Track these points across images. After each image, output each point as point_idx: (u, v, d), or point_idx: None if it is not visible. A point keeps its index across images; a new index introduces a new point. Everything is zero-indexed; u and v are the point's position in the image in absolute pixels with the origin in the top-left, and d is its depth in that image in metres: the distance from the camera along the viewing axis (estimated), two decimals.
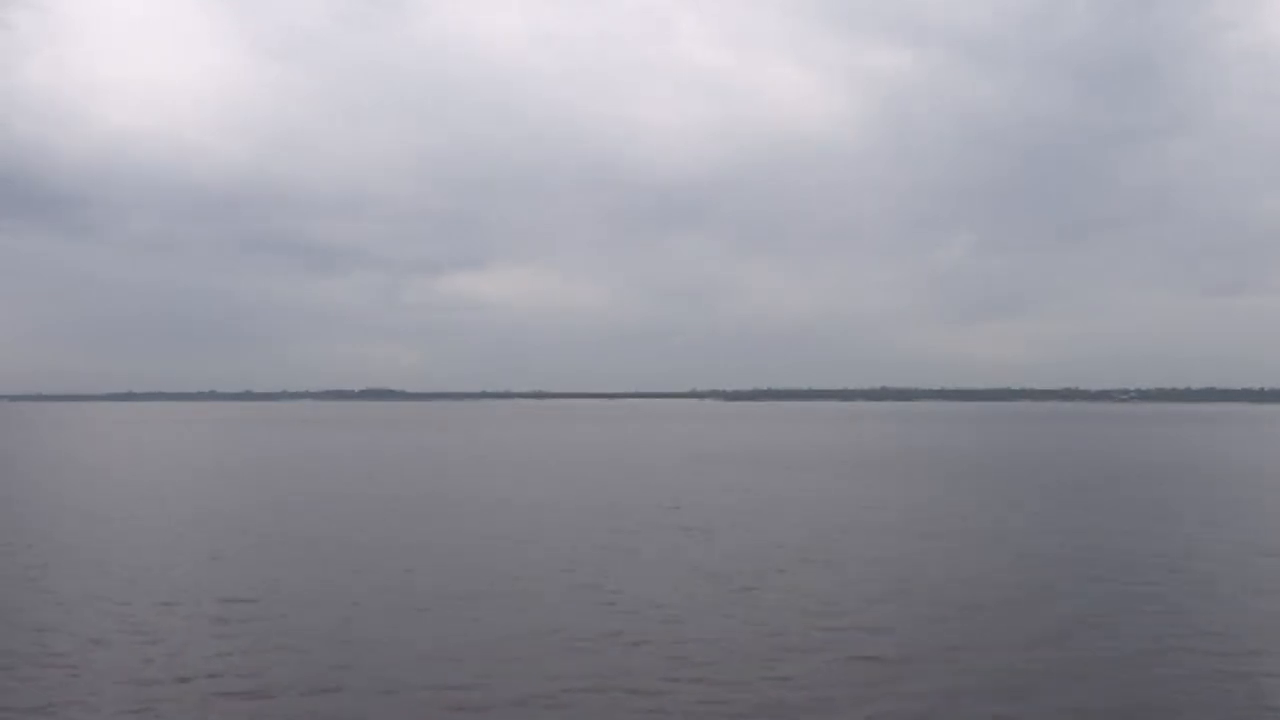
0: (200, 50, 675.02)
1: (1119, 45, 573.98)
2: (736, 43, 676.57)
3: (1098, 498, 41.29)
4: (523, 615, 19.94)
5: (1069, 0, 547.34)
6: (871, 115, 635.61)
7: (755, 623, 19.35)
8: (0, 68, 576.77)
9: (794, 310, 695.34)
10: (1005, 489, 45.30)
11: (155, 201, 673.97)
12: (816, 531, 31.44)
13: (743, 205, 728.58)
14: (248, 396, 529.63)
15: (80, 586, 22.75)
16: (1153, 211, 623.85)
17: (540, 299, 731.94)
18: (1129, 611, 20.14)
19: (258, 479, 51.50)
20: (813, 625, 19.13)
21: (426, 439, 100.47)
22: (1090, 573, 24.22)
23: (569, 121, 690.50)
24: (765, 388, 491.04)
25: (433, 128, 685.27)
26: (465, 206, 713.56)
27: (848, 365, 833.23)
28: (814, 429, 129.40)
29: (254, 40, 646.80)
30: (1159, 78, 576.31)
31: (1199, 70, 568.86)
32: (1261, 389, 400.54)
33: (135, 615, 19.86)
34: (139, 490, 45.38)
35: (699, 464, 61.37)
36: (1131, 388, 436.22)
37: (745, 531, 31.49)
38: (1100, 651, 17.21)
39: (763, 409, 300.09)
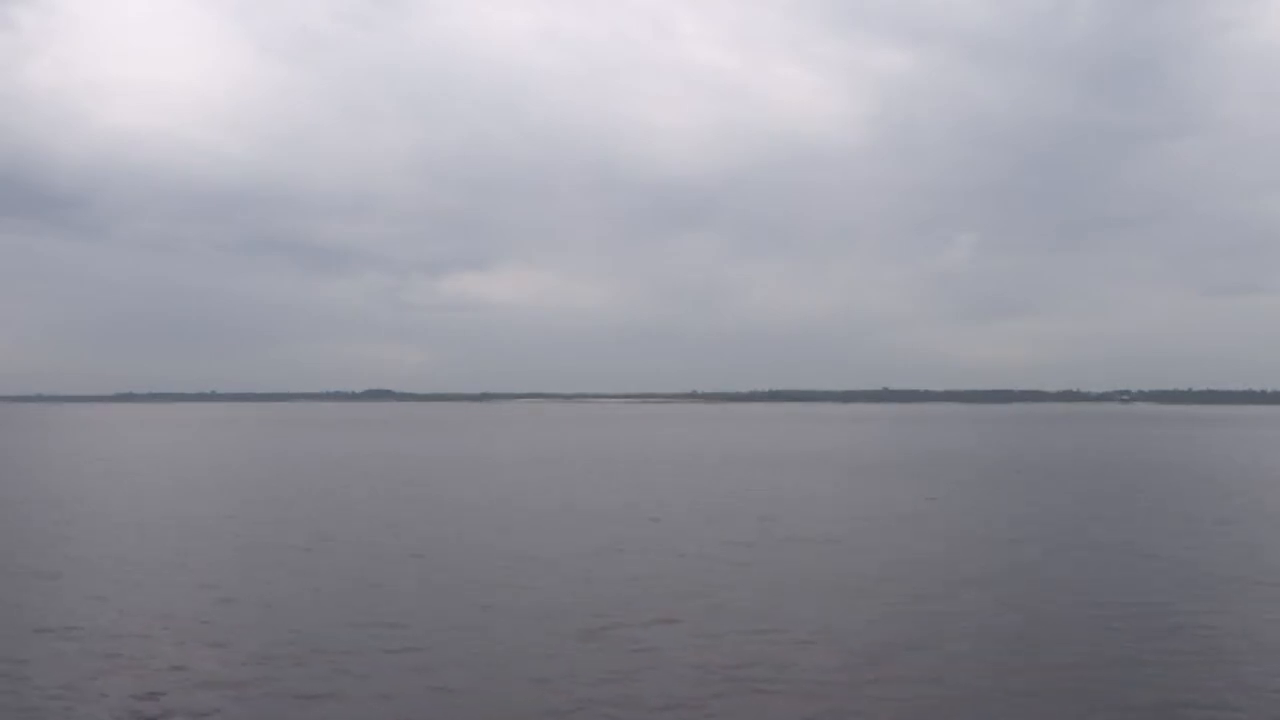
0: (204, 50, 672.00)
1: (1121, 45, 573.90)
2: (740, 43, 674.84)
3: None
4: (685, 643, 17.89)
5: (1072, 0, 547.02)
6: (874, 115, 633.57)
7: (960, 657, 17.38)
8: (3, 67, 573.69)
9: (795, 311, 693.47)
10: (1075, 494, 43.71)
11: (157, 201, 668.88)
12: (933, 541, 29.53)
13: (745, 206, 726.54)
14: (248, 397, 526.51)
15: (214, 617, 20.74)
16: (1155, 212, 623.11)
17: (542, 299, 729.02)
18: None
19: (307, 484, 49.21)
20: (1009, 661, 17.23)
21: (451, 441, 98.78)
22: None
23: (572, 121, 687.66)
24: (766, 389, 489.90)
25: (435, 127, 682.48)
26: (468, 206, 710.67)
27: (849, 366, 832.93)
28: (829, 430, 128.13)
29: (257, 39, 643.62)
30: (1162, 78, 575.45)
31: (1202, 70, 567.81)
32: (1264, 390, 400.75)
33: (260, 650, 17.93)
34: (211, 506, 43.44)
35: (746, 467, 59.54)
36: (1133, 389, 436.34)
37: (862, 542, 29.51)
38: None
39: (767, 410, 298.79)
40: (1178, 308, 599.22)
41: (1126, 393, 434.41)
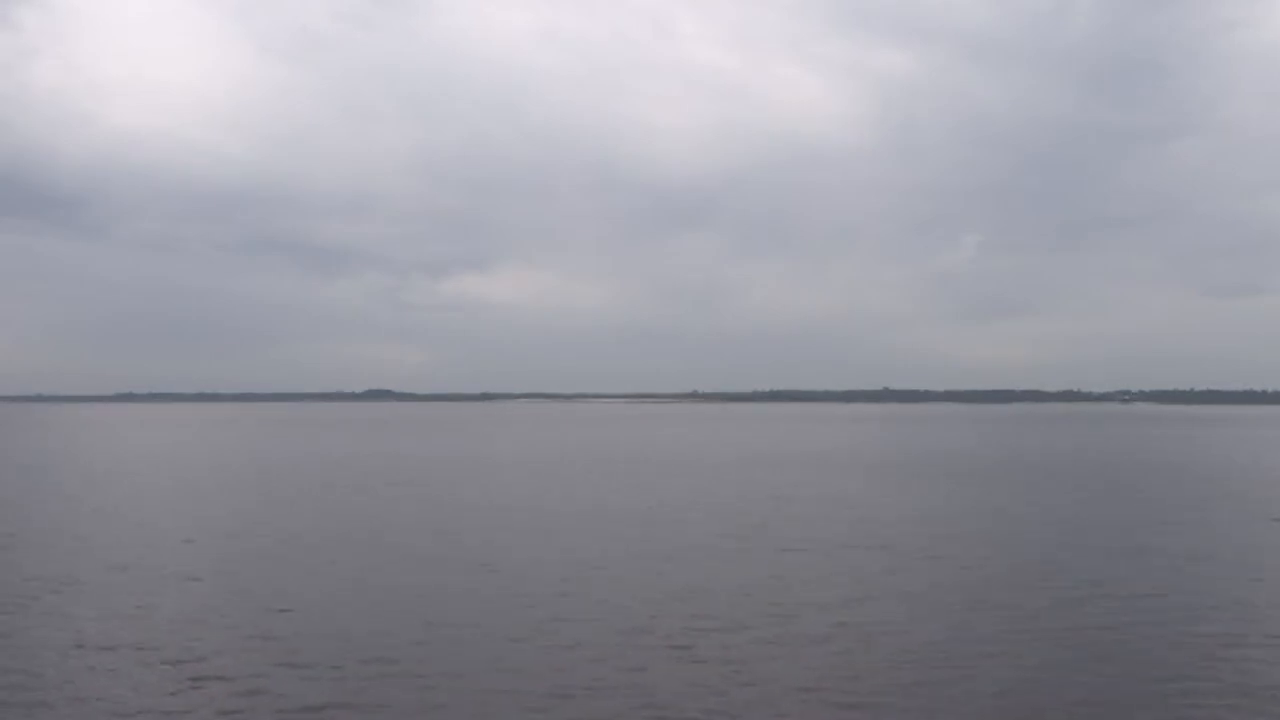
0: (204, 50, 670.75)
1: (1123, 45, 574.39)
2: (741, 43, 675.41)
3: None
4: (785, 660, 16.91)
5: (1072, 1, 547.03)
6: (874, 116, 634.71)
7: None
8: (6, 67, 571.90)
9: (796, 311, 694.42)
10: (1099, 495, 42.61)
11: (158, 202, 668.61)
12: (993, 547, 28.47)
13: (746, 206, 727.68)
14: (248, 397, 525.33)
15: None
16: (1156, 212, 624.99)
17: (542, 299, 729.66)
18: None
19: (329, 485, 47.94)
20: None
21: (462, 442, 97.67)
22: None
23: (573, 122, 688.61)
24: (767, 389, 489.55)
25: (436, 128, 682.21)
26: (468, 207, 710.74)
27: (849, 366, 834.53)
28: (837, 431, 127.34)
29: (258, 40, 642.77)
30: (1163, 78, 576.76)
31: (1204, 70, 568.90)
32: (1265, 390, 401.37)
33: (332, 667, 16.94)
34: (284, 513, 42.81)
35: (767, 468, 58.38)
36: (1134, 389, 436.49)
37: (926, 549, 28.30)
38: None
39: (769, 410, 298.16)
40: (1178, 308, 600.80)
41: (1127, 393, 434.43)
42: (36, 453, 78.05)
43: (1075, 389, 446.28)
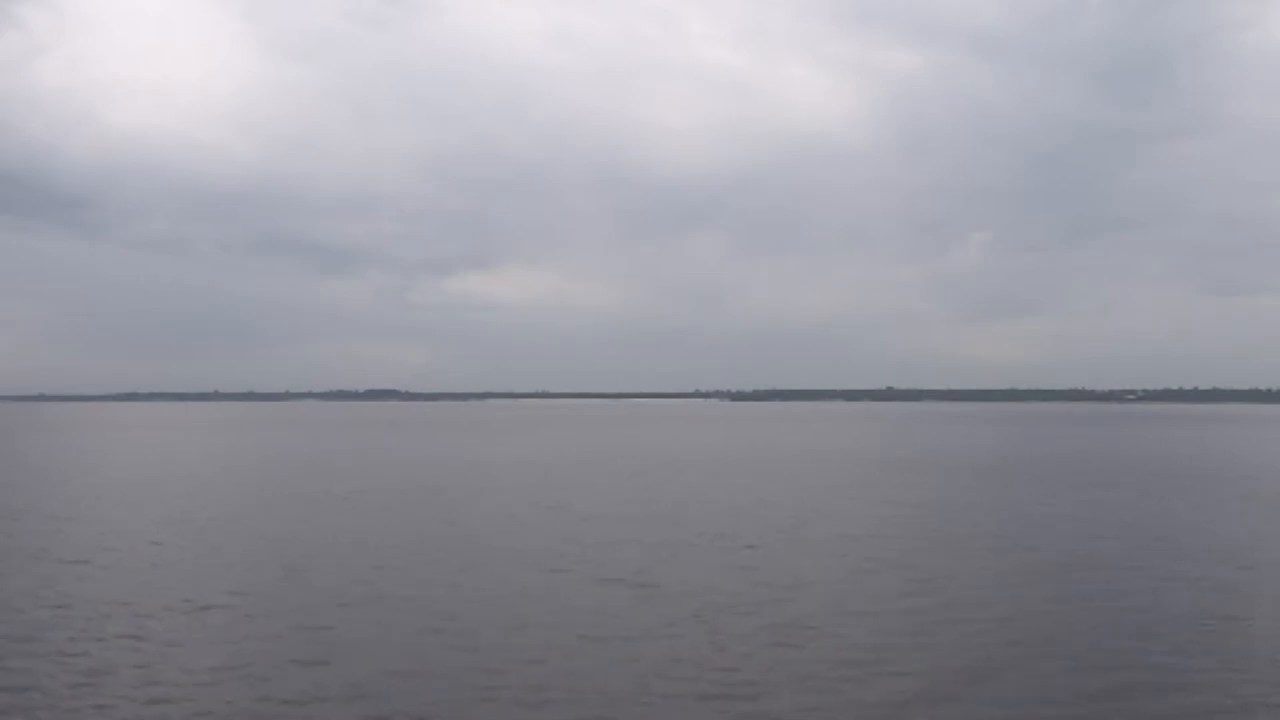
0: (210, 49, 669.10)
1: (1130, 44, 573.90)
2: (748, 42, 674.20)
3: None
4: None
5: (1081, 0, 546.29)
6: (882, 115, 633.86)
7: None
8: (12, 66, 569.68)
9: (800, 310, 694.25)
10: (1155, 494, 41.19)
11: (163, 201, 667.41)
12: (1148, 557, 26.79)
13: (752, 205, 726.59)
14: (251, 397, 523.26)
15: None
16: (1162, 212, 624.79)
17: (547, 299, 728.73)
18: None
19: (429, 494, 46.34)
20: None
21: (489, 444, 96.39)
22: None
23: (579, 121, 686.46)
24: (770, 388, 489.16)
25: (441, 127, 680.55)
26: (473, 206, 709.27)
27: (852, 365, 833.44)
28: (836, 430, 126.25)
29: (265, 39, 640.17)
30: (1170, 77, 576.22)
31: (1211, 70, 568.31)
32: (1269, 389, 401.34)
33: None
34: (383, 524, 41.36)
35: (836, 468, 56.93)
36: (1139, 388, 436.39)
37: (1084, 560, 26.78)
38: None
39: (772, 409, 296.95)
40: (1183, 307, 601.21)
41: (1133, 392, 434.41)
42: (57, 455, 76.42)
43: (1081, 387, 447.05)
